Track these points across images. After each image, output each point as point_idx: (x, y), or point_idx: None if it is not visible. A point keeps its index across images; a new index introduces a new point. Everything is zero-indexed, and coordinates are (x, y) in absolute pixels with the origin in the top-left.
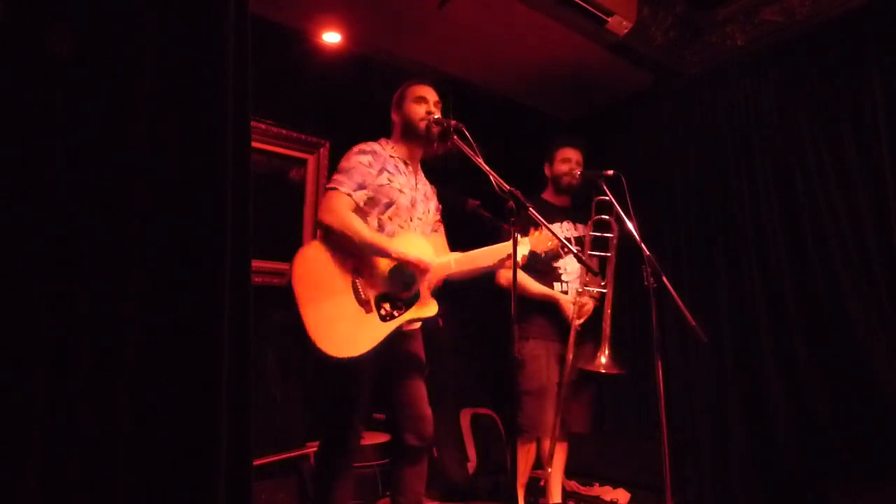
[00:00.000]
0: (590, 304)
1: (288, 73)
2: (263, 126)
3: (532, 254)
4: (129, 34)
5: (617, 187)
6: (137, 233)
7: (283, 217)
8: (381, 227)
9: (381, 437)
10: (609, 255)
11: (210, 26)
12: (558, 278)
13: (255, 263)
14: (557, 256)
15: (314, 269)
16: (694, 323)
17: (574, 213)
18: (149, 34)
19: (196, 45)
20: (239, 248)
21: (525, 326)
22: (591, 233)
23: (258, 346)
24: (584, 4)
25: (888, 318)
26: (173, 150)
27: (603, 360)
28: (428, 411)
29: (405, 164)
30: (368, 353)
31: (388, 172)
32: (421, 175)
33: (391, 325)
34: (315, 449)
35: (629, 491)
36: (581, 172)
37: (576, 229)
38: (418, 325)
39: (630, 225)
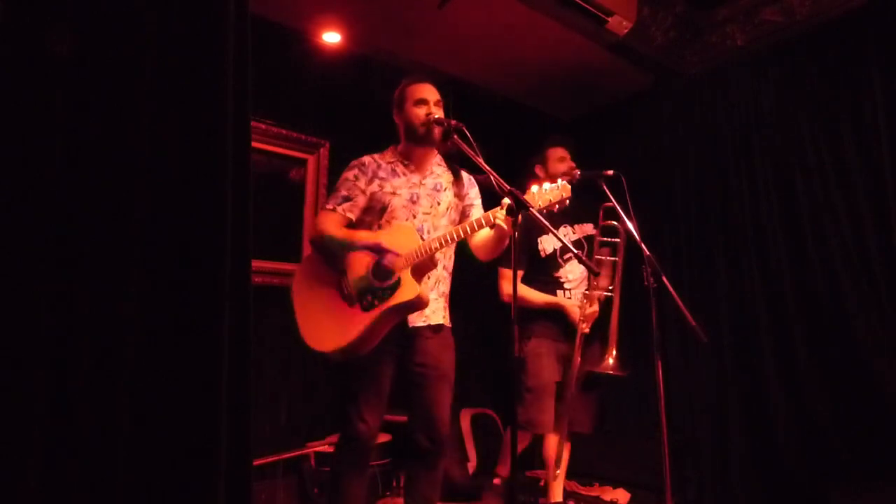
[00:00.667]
0: (596, 308)
1: (288, 73)
2: (263, 126)
3: (535, 262)
4: (129, 34)
5: (617, 187)
6: (137, 233)
7: (283, 217)
8: (380, 230)
9: (382, 437)
10: (616, 259)
11: (210, 26)
12: (561, 286)
13: (255, 263)
14: (558, 266)
15: (306, 280)
16: (694, 323)
17: (569, 216)
18: (149, 34)
19: (196, 45)
20: (239, 248)
21: (528, 327)
22: (599, 238)
23: (258, 346)
24: (584, 4)
25: (888, 318)
26: (173, 150)
27: (610, 361)
28: (443, 413)
29: (405, 164)
30: (356, 343)
31: (380, 179)
32: (432, 169)
33: (374, 313)
34: (315, 449)
35: (629, 491)
36: (581, 172)
37: (573, 231)
38: (426, 321)
39: (630, 225)
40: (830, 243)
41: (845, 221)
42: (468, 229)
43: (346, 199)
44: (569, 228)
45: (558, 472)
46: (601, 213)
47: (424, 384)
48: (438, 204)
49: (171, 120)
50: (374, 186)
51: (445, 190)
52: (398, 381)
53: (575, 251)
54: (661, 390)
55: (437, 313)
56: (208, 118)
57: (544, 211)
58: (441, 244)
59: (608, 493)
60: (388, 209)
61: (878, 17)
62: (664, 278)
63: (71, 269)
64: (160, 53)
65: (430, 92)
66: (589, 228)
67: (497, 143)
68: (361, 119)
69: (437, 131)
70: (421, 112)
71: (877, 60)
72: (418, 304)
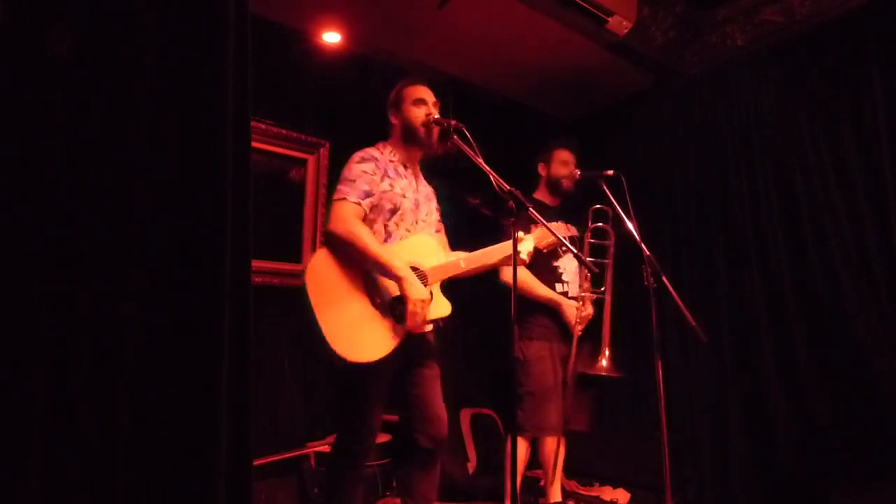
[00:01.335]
0: (590, 311)
1: (288, 73)
2: (263, 126)
3: (535, 251)
4: (129, 34)
5: (617, 187)
6: (137, 233)
7: (283, 217)
8: (388, 234)
9: (382, 437)
10: (607, 261)
11: (210, 26)
12: (559, 279)
13: (255, 263)
14: (557, 256)
15: (326, 276)
16: (694, 323)
17: (566, 214)
18: (149, 34)
19: (196, 45)
20: (239, 248)
21: (528, 327)
22: (590, 240)
23: (258, 346)
24: (584, 4)
25: (888, 318)
26: (173, 150)
27: (603, 363)
28: (442, 412)
29: (405, 167)
30: (387, 356)
31: (390, 178)
32: (421, 177)
33: (408, 327)
34: (315, 449)
35: (629, 491)
36: (581, 172)
37: (568, 229)
38: (431, 325)
39: (630, 225)
40: (830, 243)
41: (845, 221)
42: (493, 257)
43: (368, 194)
44: (563, 225)
45: (557, 472)
46: (590, 215)
47: (424, 384)
48: (431, 213)
49: (171, 120)
50: (385, 185)
51: (432, 200)
52: (395, 381)
53: (573, 249)
54: (661, 390)
55: None
56: (208, 118)
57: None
58: (469, 266)
59: (608, 493)
60: (399, 211)
61: (878, 17)
62: (664, 278)
63: (71, 269)
64: (160, 53)
65: (427, 93)
66: (573, 229)
67: (497, 143)
68: (361, 119)
69: (435, 132)
70: (420, 112)
71: (877, 60)
72: (447, 318)
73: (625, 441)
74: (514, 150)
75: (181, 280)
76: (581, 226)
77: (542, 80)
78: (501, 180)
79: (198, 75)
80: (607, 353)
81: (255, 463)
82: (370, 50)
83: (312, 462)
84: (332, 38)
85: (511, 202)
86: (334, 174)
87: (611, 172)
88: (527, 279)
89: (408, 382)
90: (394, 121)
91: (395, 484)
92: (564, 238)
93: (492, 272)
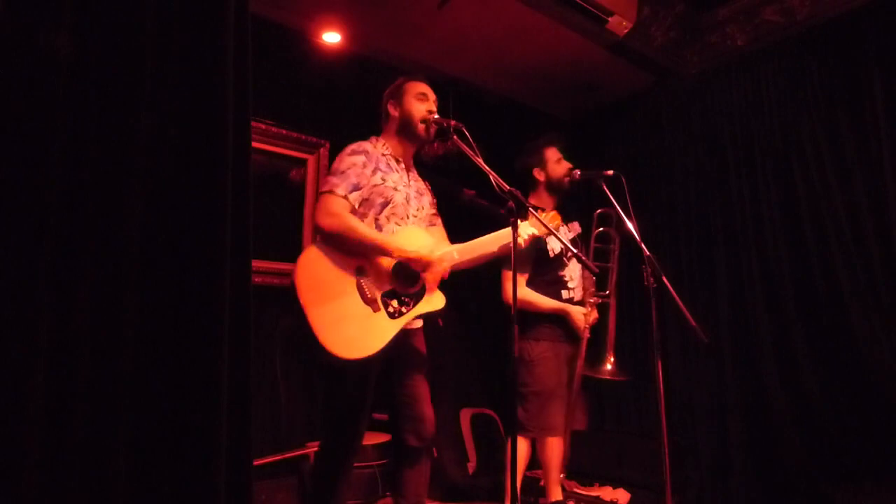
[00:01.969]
0: (596, 314)
1: (288, 73)
2: (263, 126)
3: (537, 261)
4: (129, 34)
5: (617, 187)
6: (137, 232)
7: (283, 217)
8: (378, 228)
9: (382, 437)
10: (611, 265)
11: (210, 26)
12: (565, 286)
13: (255, 263)
14: (563, 265)
15: (316, 273)
16: (694, 323)
17: (566, 215)
18: (149, 34)
19: (196, 45)
20: (239, 248)
21: (534, 329)
22: (594, 244)
23: (258, 346)
24: (584, 4)
25: (888, 318)
26: (173, 149)
27: (608, 366)
28: (429, 411)
29: (397, 161)
30: (379, 353)
31: (382, 171)
32: (413, 171)
33: (400, 322)
34: (315, 449)
35: (629, 491)
36: (581, 172)
37: (569, 230)
38: (421, 322)
39: (630, 225)
40: (830, 243)
41: (845, 221)
42: (489, 243)
43: (356, 187)
44: (564, 227)
45: (563, 474)
46: (595, 219)
47: (412, 383)
48: (422, 208)
49: (171, 120)
50: (377, 178)
51: (425, 195)
52: (382, 381)
53: (575, 251)
54: (661, 390)
55: None
56: (208, 118)
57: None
58: (463, 255)
59: (608, 493)
60: (391, 205)
61: (878, 17)
62: (664, 278)
63: (70, 269)
64: (160, 53)
65: (429, 90)
66: (576, 227)
67: (497, 143)
68: (361, 119)
69: (433, 130)
70: (422, 107)
71: (877, 60)
72: (442, 312)
73: (625, 441)
74: (514, 150)
75: (181, 280)
76: (582, 227)
77: (541, 80)
78: (501, 180)
79: (198, 75)
80: (612, 357)
81: (255, 463)
82: (370, 50)
83: (312, 462)
84: (332, 38)
85: (511, 202)
86: None
87: (611, 172)
88: (528, 297)
89: (395, 382)
90: (392, 112)
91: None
92: (567, 241)
93: (494, 289)
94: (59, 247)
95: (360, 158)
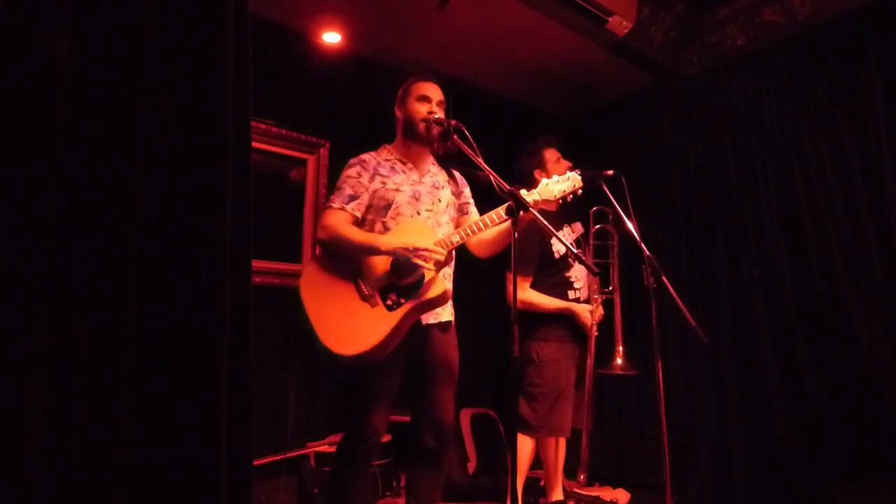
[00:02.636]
0: (602, 311)
1: (288, 73)
2: (263, 126)
3: (542, 263)
4: (129, 34)
5: (617, 187)
6: (137, 232)
7: (283, 217)
8: (387, 230)
9: (383, 437)
10: (612, 261)
11: (210, 26)
12: (571, 286)
13: (255, 263)
14: (567, 266)
15: (317, 281)
16: (694, 323)
17: (564, 216)
18: (149, 34)
19: (196, 45)
20: (239, 248)
21: (542, 330)
22: (593, 242)
23: (258, 346)
24: (584, 4)
25: (888, 318)
26: (173, 149)
27: (619, 361)
28: (449, 415)
29: (402, 162)
30: (381, 345)
31: (381, 175)
32: (429, 168)
33: (400, 312)
34: (315, 449)
35: (629, 491)
36: (581, 172)
37: (572, 231)
38: (447, 317)
39: (630, 225)
40: (830, 243)
41: (845, 221)
42: (488, 222)
43: (353, 197)
44: (567, 229)
45: (582, 475)
46: (591, 216)
47: (432, 384)
48: (439, 201)
49: (171, 120)
50: (377, 184)
51: (444, 188)
52: (405, 380)
53: (575, 251)
54: (661, 390)
55: (446, 310)
56: (208, 118)
57: (559, 202)
58: (464, 237)
59: (608, 493)
60: (394, 206)
61: (878, 17)
62: (664, 278)
63: (70, 269)
64: (160, 53)
65: (434, 91)
66: (579, 227)
67: (497, 143)
68: (361, 119)
69: (435, 131)
70: (423, 109)
71: (877, 60)
72: (444, 299)
73: (625, 441)
74: (514, 150)
75: (181, 280)
76: (584, 222)
77: (541, 80)
78: (501, 180)
79: (198, 75)
80: (621, 350)
81: (255, 463)
82: (370, 50)
83: (312, 462)
84: (332, 38)
85: (511, 202)
86: (334, 174)
87: (611, 172)
88: (531, 298)
89: (417, 382)
90: (397, 114)
91: (395, 484)
92: (571, 242)
93: (495, 288)
94: (59, 247)
95: (355, 170)
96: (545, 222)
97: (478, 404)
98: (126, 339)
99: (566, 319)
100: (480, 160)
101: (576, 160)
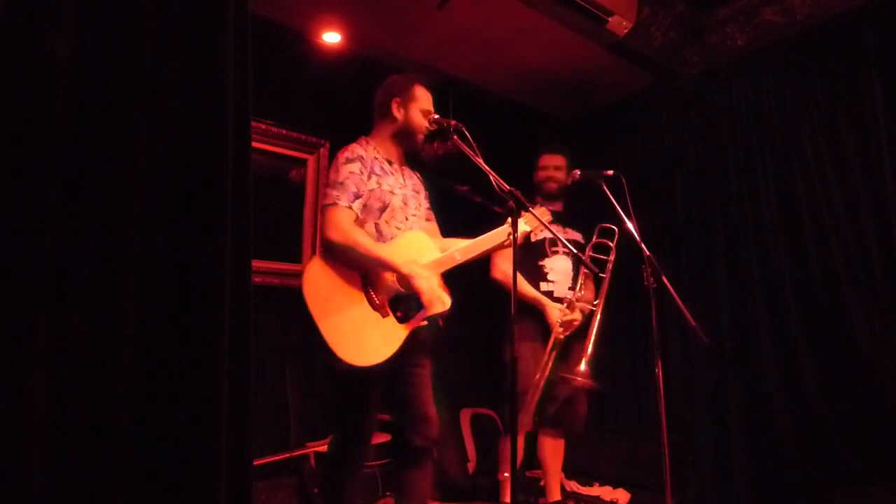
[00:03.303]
0: (578, 320)
1: (288, 73)
2: (263, 126)
3: (523, 245)
4: (129, 34)
5: (617, 187)
6: (137, 232)
7: (283, 217)
8: (379, 233)
9: (381, 437)
10: (605, 276)
11: (210, 26)
12: (544, 278)
13: (255, 263)
14: (544, 254)
15: (324, 285)
16: (694, 324)
17: (565, 218)
18: (149, 34)
19: (196, 45)
20: (239, 248)
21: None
22: (591, 253)
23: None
24: (584, 4)
25: (888, 319)
26: (173, 150)
27: (581, 368)
28: (433, 412)
29: (389, 162)
30: (392, 357)
31: (377, 175)
32: (407, 170)
33: (411, 326)
34: (315, 449)
35: (629, 491)
36: (581, 172)
37: (565, 233)
38: (425, 322)
39: (630, 225)
40: (830, 243)
41: (845, 221)
42: (487, 246)
43: (357, 195)
44: (560, 228)
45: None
46: (596, 231)
47: (418, 383)
48: (420, 206)
49: (171, 120)
50: (373, 183)
51: (420, 192)
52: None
53: (572, 249)
54: (661, 390)
55: None
56: (208, 118)
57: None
58: (465, 257)
59: (608, 493)
60: (389, 209)
61: (878, 17)
62: (664, 278)
63: (70, 269)
64: (160, 53)
65: (431, 104)
66: (577, 236)
67: (497, 143)
68: (361, 119)
69: (434, 145)
70: (425, 122)
71: (877, 60)
72: (447, 312)
73: (625, 441)
74: (514, 150)
75: (181, 280)
76: (585, 233)
77: (541, 80)
78: (501, 180)
79: (198, 75)
80: (584, 364)
81: (255, 463)
82: (370, 50)
83: (312, 462)
84: (332, 38)
85: (511, 202)
86: None
87: (611, 172)
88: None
89: (400, 382)
90: (396, 113)
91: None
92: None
93: (484, 267)
94: (58, 246)
95: (356, 166)
96: (545, 223)
97: (478, 404)
98: (126, 339)
99: (535, 316)
100: (480, 160)
101: (576, 160)
